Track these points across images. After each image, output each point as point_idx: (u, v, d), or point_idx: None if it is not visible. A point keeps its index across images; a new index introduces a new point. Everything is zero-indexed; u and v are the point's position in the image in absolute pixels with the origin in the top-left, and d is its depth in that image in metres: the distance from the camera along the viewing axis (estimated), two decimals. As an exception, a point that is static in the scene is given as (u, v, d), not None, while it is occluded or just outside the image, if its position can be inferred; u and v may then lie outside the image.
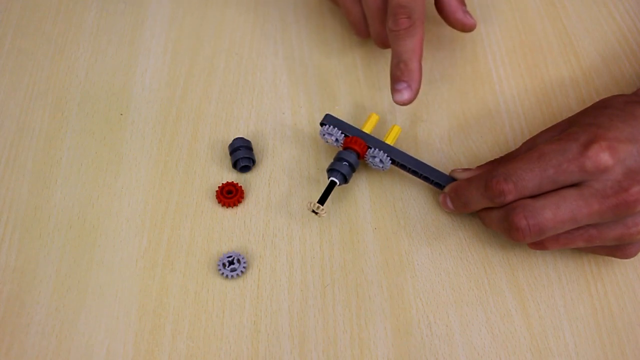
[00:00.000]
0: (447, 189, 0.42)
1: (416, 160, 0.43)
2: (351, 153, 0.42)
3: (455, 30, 0.52)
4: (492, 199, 0.38)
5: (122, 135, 0.47)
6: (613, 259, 0.41)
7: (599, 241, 0.37)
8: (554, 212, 0.36)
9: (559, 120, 0.42)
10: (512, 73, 0.50)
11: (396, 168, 0.44)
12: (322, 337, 0.39)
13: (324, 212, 0.41)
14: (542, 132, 0.41)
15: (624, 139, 0.36)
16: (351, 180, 0.44)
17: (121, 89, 0.49)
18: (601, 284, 0.41)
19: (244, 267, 0.41)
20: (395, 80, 0.43)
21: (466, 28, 0.47)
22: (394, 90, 0.43)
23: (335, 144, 0.44)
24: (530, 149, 0.38)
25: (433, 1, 0.48)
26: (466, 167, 0.45)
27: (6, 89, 0.49)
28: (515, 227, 0.36)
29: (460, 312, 0.40)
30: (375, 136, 0.44)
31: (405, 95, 0.42)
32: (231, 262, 0.41)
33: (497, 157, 0.43)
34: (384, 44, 0.47)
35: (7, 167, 0.45)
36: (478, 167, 0.42)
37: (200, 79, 0.50)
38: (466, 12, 0.47)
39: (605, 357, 0.38)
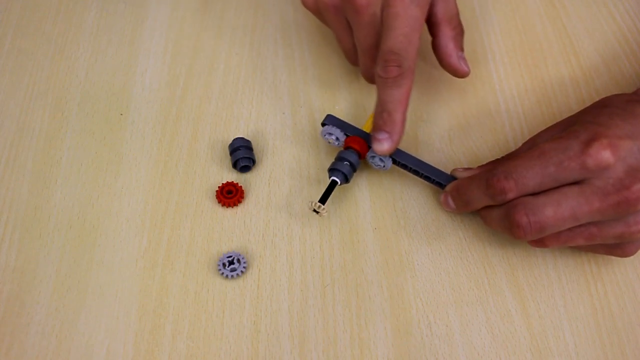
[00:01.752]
0: (448, 188, 0.42)
1: (417, 159, 0.43)
2: (352, 153, 0.42)
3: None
4: (493, 196, 0.38)
5: (122, 135, 0.47)
6: (613, 258, 0.42)
7: (599, 239, 0.37)
8: (555, 210, 0.36)
9: (559, 120, 0.42)
10: (512, 73, 0.50)
11: (396, 167, 0.44)
12: (322, 337, 0.39)
13: (325, 211, 0.41)
14: (542, 132, 0.41)
15: (624, 137, 0.36)
16: (351, 180, 0.44)
17: (121, 89, 0.49)
18: (601, 284, 0.41)
19: (244, 267, 0.41)
20: (377, 129, 0.41)
21: (458, 74, 0.45)
22: (374, 139, 0.41)
23: (336, 143, 0.44)
24: (531, 148, 0.38)
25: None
26: (467, 166, 0.45)
27: (6, 89, 0.49)
28: (516, 224, 0.36)
29: (460, 312, 0.40)
30: None
31: (385, 145, 0.41)
32: (231, 262, 0.41)
33: (497, 157, 0.43)
34: (371, 80, 0.45)
35: (7, 167, 0.45)
36: (479, 167, 0.43)
37: (200, 79, 0.50)
38: (461, 57, 0.45)
39: (605, 357, 0.38)
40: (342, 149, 0.44)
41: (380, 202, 0.44)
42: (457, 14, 0.45)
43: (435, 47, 0.45)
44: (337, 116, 0.44)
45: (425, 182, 0.44)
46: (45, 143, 0.46)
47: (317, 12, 0.46)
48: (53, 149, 0.46)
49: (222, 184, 0.44)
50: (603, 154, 0.35)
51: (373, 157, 0.43)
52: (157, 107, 0.48)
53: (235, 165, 0.44)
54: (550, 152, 0.36)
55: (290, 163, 0.46)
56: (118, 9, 0.54)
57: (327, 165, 0.45)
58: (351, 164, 0.42)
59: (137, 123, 0.47)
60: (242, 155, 0.44)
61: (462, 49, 0.45)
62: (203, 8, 0.54)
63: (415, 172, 0.43)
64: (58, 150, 0.46)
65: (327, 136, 0.44)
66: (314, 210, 0.41)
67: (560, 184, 0.36)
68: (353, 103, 0.48)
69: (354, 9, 0.42)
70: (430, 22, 0.45)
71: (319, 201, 0.41)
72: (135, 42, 0.52)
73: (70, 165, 0.45)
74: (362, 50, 0.44)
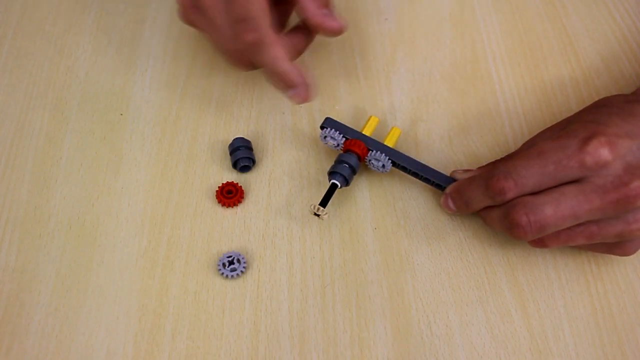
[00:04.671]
0: (448, 189, 0.42)
1: (417, 162, 0.43)
2: (352, 155, 0.42)
3: (455, 30, 0.53)
4: (492, 196, 0.38)
5: (122, 135, 0.47)
6: (613, 258, 0.42)
7: (599, 238, 0.37)
8: (555, 208, 0.36)
9: (559, 120, 0.42)
10: (512, 73, 0.50)
11: (396, 169, 0.44)
12: (322, 337, 0.39)
13: (325, 214, 0.41)
14: (541, 132, 0.41)
15: (622, 135, 0.36)
16: (351, 181, 0.44)
17: (121, 89, 0.49)
18: (601, 284, 0.41)
19: (244, 267, 0.41)
20: (282, 90, 0.42)
21: (330, 32, 0.42)
22: (289, 98, 0.42)
23: (335, 148, 0.44)
24: (530, 147, 0.39)
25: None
26: (466, 167, 0.45)
27: (6, 89, 0.49)
28: (516, 223, 0.36)
29: (460, 312, 0.40)
30: (376, 139, 0.44)
31: (301, 94, 0.42)
32: (231, 262, 0.41)
33: (497, 157, 0.43)
34: (248, 66, 0.43)
35: (7, 167, 0.45)
36: (479, 168, 0.43)
37: (200, 79, 0.50)
38: (326, 14, 0.42)
39: (605, 357, 0.38)
40: (341, 151, 0.44)
41: (380, 202, 0.44)
42: None
43: (299, 13, 0.43)
44: (336, 119, 0.44)
45: (425, 183, 0.44)
46: (45, 143, 0.46)
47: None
48: (53, 149, 0.46)
49: (222, 184, 0.44)
50: (601, 152, 0.35)
51: (376, 160, 0.43)
52: (157, 107, 0.48)
53: (235, 165, 0.44)
54: (549, 151, 0.37)
55: (290, 163, 0.46)
56: (118, 9, 0.54)
57: (327, 165, 0.45)
58: (351, 167, 0.42)
59: (137, 123, 0.47)
60: (242, 155, 0.44)
61: (327, 5, 0.43)
62: (203, 8, 0.54)
63: (415, 175, 0.43)
64: (58, 150, 0.46)
65: (326, 139, 0.44)
66: (315, 214, 0.41)
67: (560, 183, 0.36)
68: (353, 103, 0.48)
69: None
70: None
71: (320, 204, 0.41)
72: (135, 42, 0.52)
73: (70, 165, 0.45)
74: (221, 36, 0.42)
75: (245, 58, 0.43)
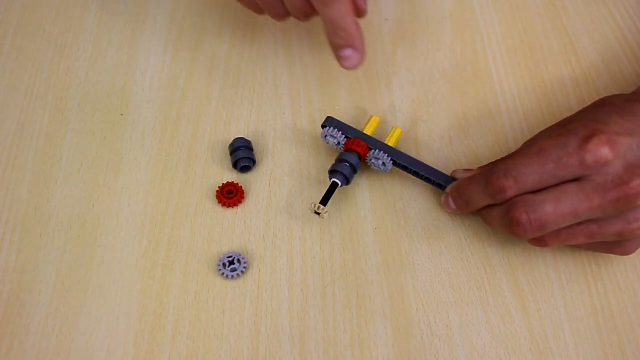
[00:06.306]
0: (448, 188, 0.42)
1: (417, 161, 0.43)
2: (353, 154, 0.42)
3: (455, 30, 0.53)
4: (492, 195, 0.38)
5: (122, 135, 0.47)
6: (613, 258, 0.42)
7: (599, 237, 0.37)
8: (555, 206, 0.36)
9: (559, 120, 0.42)
10: (512, 73, 0.50)
11: (397, 168, 0.44)
12: (322, 337, 0.39)
13: (325, 212, 0.41)
14: (541, 132, 0.41)
15: (623, 133, 0.36)
16: (352, 181, 0.44)
17: (121, 89, 0.49)
18: (601, 284, 0.41)
19: (244, 267, 0.41)
20: (338, 47, 0.41)
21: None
22: (340, 57, 0.41)
23: (336, 147, 0.44)
24: (530, 146, 0.39)
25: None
26: (466, 167, 0.45)
27: (6, 89, 0.49)
28: (516, 221, 0.36)
29: (460, 312, 0.40)
30: (377, 138, 0.44)
31: (354, 59, 0.41)
32: (231, 262, 0.41)
33: (497, 157, 0.43)
34: (305, 15, 0.43)
35: (7, 167, 0.45)
36: (479, 167, 0.42)
37: (200, 79, 0.50)
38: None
39: (605, 357, 0.38)
40: (342, 150, 0.44)
41: (380, 202, 0.44)
42: None
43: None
44: (337, 118, 0.44)
45: (425, 182, 0.44)
46: (45, 143, 0.46)
47: None
48: (53, 149, 0.46)
49: (222, 184, 0.44)
50: (601, 150, 0.35)
51: (375, 159, 0.43)
52: (157, 107, 0.48)
53: (235, 165, 0.44)
54: (549, 149, 0.37)
55: (291, 163, 0.46)
56: (118, 9, 0.54)
57: (328, 165, 0.45)
58: (351, 166, 0.42)
59: (137, 123, 0.47)
60: (242, 155, 0.44)
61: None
62: (203, 8, 0.54)
63: (416, 174, 0.43)
64: (58, 150, 0.46)
65: (327, 137, 0.44)
66: (315, 212, 0.41)
67: (560, 181, 0.36)
68: (353, 103, 0.48)
69: None
70: None
71: (320, 203, 0.41)
72: (135, 42, 0.52)
73: (70, 165, 0.45)
74: None
75: (279, 7, 0.43)
